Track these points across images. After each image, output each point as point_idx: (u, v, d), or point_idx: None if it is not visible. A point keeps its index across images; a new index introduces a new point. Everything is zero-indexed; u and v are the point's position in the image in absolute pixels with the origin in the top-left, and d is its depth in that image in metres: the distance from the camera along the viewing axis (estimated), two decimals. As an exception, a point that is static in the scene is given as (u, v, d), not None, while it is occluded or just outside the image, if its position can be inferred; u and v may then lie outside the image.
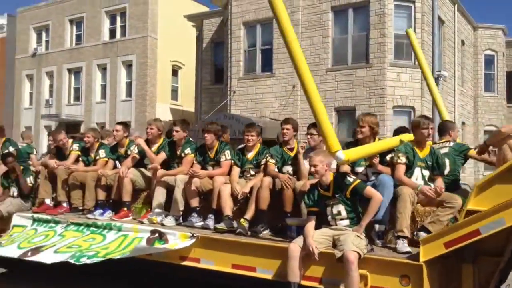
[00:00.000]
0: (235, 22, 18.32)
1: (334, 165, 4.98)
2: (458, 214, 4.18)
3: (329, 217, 4.49)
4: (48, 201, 6.77)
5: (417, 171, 4.78)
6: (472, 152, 5.44)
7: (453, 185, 5.17)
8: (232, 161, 5.84)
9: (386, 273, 4.02)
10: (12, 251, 5.65)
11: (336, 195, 4.45)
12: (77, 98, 28.34)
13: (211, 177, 5.68)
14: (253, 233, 4.99)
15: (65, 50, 28.62)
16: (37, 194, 7.05)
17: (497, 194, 3.69)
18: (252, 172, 5.75)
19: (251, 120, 16.29)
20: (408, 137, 5.31)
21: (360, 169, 5.11)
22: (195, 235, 4.95)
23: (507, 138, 4.33)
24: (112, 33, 27.12)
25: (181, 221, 5.65)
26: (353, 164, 5.04)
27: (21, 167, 7.04)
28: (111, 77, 26.64)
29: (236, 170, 5.77)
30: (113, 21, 27.15)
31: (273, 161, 5.49)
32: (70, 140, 7.27)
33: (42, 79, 29.70)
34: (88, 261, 4.95)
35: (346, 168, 4.91)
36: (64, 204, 6.65)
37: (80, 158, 7.02)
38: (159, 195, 5.87)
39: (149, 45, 25.47)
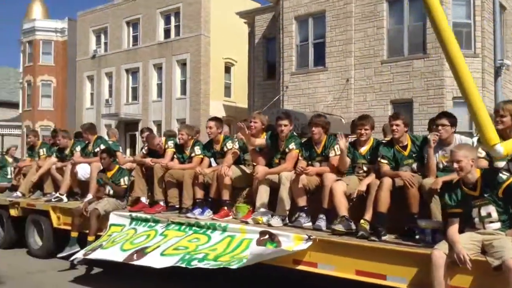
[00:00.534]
0: (287, 16, 18.21)
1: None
2: None
3: (476, 220, 3.94)
4: (143, 199, 6.66)
5: None
6: None
7: None
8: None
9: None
10: (116, 254, 5.49)
11: (485, 195, 3.88)
12: (134, 97, 29.24)
13: (319, 175, 5.26)
14: (374, 236, 4.51)
15: (123, 51, 29.58)
16: (130, 192, 7.01)
17: None
18: (365, 168, 5.27)
19: (304, 115, 16.16)
20: None
21: (501, 164, 4.34)
22: (311, 237, 4.54)
23: None
24: (167, 33, 27.74)
25: (287, 221, 5.32)
26: (491, 157, 4.35)
27: (117, 167, 6.93)
28: (166, 76, 27.28)
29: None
30: (167, 21, 27.77)
31: (385, 161, 5.00)
32: (163, 138, 7.13)
33: (102, 80, 30.88)
34: (201, 265, 4.72)
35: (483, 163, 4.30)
36: (161, 203, 6.46)
37: (175, 156, 6.79)
38: (263, 193, 5.52)
39: (202, 43, 25.85)
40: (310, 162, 5.54)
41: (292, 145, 5.63)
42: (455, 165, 3.92)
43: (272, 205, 5.45)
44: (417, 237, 4.42)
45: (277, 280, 5.94)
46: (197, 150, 6.50)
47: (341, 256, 4.40)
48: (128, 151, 29.19)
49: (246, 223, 5.35)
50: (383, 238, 4.50)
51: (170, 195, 6.38)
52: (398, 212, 4.66)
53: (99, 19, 31.00)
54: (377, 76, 16.25)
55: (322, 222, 4.99)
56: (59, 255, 6.49)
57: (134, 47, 29.14)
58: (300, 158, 5.59)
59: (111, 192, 6.76)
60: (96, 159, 7.36)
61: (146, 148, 7.29)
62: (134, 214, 6.20)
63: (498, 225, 3.87)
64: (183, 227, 5.58)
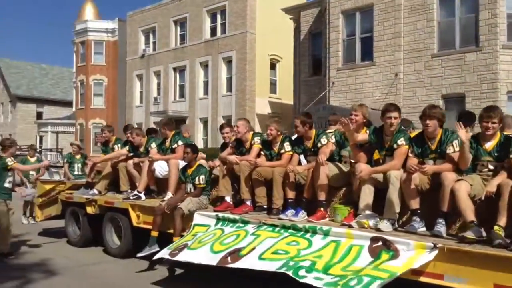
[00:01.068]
0: (333, 11, 18.01)
1: None
2: None
3: None
4: (228, 198, 6.29)
5: None
6: None
7: None
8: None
9: None
10: (207, 257, 5.14)
11: None
12: (181, 95, 29.80)
13: (435, 174, 4.68)
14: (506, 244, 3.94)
15: (170, 50, 30.20)
16: (212, 191, 6.74)
17: None
18: (491, 166, 4.66)
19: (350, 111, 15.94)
20: None
21: None
22: (438, 245, 4.01)
23: None
24: (213, 31, 28.09)
25: (396, 225, 4.82)
26: None
27: (197, 164, 6.61)
28: (213, 73, 27.63)
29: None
30: (213, 19, 28.11)
31: None
32: (251, 133, 6.65)
33: (150, 78, 31.65)
34: (311, 281, 4.16)
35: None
36: (248, 202, 6.05)
37: (262, 152, 6.35)
38: (367, 194, 4.97)
39: (247, 40, 26.01)
40: (421, 160, 4.93)
41: (401, 140, 5.04)
42: None
43: (375, 206, 4.95)
44: None
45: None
46: (287, 146, 6.11)
47: (476, 268, 3.85)
48: (175, 147, 29.79)
49: (350, 226, 4.84)
50: None
51: (258, 194, 5.98)
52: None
53: (148, 19, 31.78)
54: (427, 70, 15.81)
55: (441, 228, 4.43)
56: (139, 255, 6.22)
57: (181, 45, 29.68)
58: (410, 155, 5.02)
59: (192, 190, 6.51)
60: (175, 156, 7.14)
61: (232, 144, 6.81)
62: (221, 215, 5.88)
63: None
64: (277, 228, 5.19)
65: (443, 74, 15.58)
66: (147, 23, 31.84)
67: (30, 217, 10.79)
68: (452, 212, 4.50)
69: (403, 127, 5.48)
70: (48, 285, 6.02)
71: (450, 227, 4.52)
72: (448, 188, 4.43)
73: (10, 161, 7.10)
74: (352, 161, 5.53)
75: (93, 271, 6.71)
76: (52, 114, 45.16)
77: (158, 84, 31.34)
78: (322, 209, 5.37)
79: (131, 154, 7.92)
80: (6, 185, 7.13)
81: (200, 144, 27.39)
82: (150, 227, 6.46)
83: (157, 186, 7.53)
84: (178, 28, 30.22)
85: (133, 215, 6.91)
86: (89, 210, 7.71)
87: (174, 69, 30.11)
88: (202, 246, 5.34)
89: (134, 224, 6.88)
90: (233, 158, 6.32)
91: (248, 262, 4.76)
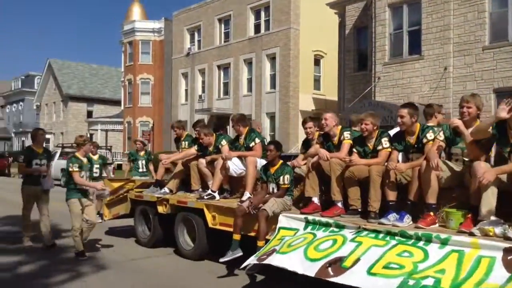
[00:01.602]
0: (379, 4, 17.65)
1: None
2: None
3: None
4: (315, 199, 5.82)
5: None
6: None
7: None
8: None
9: None
10: (302, 265, 4.60)
11: None
12: (226, 92, 30.05)
13: None
14: None
15: (215, 48, 30.50)
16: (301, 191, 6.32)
17: None
18: None
19: (397, 107, 15.59)
20: None
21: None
22: None
23: None
24: (257, 28, 28.16)
25: None
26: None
27: (280, 162, 6.15)
28: (256, 70, 27.70)
29: None
30: (257, 16, 28.17)
31: None
32: (339, 127, 6.08)
33: (195, 76, 32.09)
34: None
35: None
36: (339, 204, 5.55)
37: (354, 149, 5.77)
38: (490, 197, 4.24)
39: (291, 36, 25.90)
40: None
41: None
42: None
43: (498, 211, 4.33)
44: None
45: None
46: (385, 142, 5.48)
47: None
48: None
49: (470, 234, 4.18)
50: None
51: (351, 196, 5.44)
52: None
53: (193, 17, 32.22)
54: (478, 64, 15.25)
55: None
56: (222, 260, 5.76)
57: (226, 43, 29.92)
58: None
59: (275, 190, 6.06)
60: (253, 153, 6.80)
61: (319, 139, 6.27)
62: (310, 217, 5.39)
63: None
64: (381, 235, 4.60)
65: (495, 67, 14.98)
66: (192, 22, 32.29)
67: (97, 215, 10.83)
68: None
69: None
70: (98, 279, 6.20)
71: None
72: None
73: (71, 167, 6.88)
74: (466, 159, 4.92)
75: (144, 265, 6.87)
76: (102, 112, 46.66)
77: (203, 82, 31.73)
78: (431, 213, 4.73)
79: (200, 153, 7.62)
80: (79, 186, 6.97)
81: (244, 141, 27.53)
82: (227, 228, 6.20)
83: (230, 185, 7.22)
84: (222, 26, 30.48)
85: (208, 215, 6.55)
86: (161, 209, 7.42)
87: (218, 66, 30.39)
88: (293, 251, 4.85)
89: (210, 225, 6.53)
90: (325, 153, 5.75)
91: (356, 278, 4.12)
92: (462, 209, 4.66)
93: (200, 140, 7.46)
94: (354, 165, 5.39)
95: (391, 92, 17.39)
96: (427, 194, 4.79)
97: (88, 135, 42.41)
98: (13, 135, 54.87)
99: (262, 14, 27.80)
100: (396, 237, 4.46)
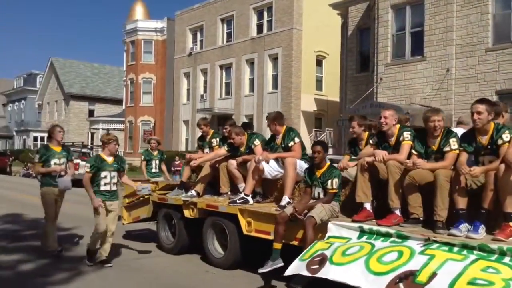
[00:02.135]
0: (382, 5, 17.63)
1: None
2: None
3: None
4: (368, 206, 5.25)
5: None
6: None
7: None
8: None
9: None
10: (365, 279, 4.19)
11: None
12: (227, 92, 30.05)
13: None
14: None
15: (217, 47, 30.49)
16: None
17: None
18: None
19: (399, 108, 15.57)
20: None
21: None
22: None
23: None
24: (260, 28, 28.16)
25: None
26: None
27: (328, 165, 5.66)
28: (258, 70, 27.69)
29: None
30: (260, 16, 28.17)
31: None
32: (397, 126, 5.50)
33: (197, 76, 32.10)
34: None
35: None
36: (397, 212, 5.01)
37: (413, 150, 5.15)
38: None
39: (294, 37, 25.88)
40: None
41: None
42: None
43: None
44: None
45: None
46: (454, 143, 4.89)
47: None
48: (221, 144, 30.09)
49: None
50: None
51: (412, 203, 4.88)
52: None
53: (195, 17, 32.22)
54: (481, 65, 15.21)
55: None
56: (261, 270, 5.27)
57: (228, 43, 29.91)
58: None
59: (321, 195, 5.54)
60: (292, 154, 6.32)
61: (373, 140, 5.68)
62: (366, 227, 4.88)
63: None
64: (456, 248, 4.14)
65: (498, 69, 14.95)
66: (194, 21, 32.29)
67: None
68: None
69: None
70: (98, 277, 6.18)
71: None
72: None
73: (86, 168, 6.47)
74: None
75: (144, 264, 6.86)
76: (103, 111, 46.68)
77: (205, 82, 31.73)
78: (511, 223, 4.25)
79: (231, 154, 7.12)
80: (103, 187, 6.46)
81: (245, 141, 27.53)
82: (263, 236, 5.78)
83: (263, 188, 6.74)
84: (225, 26, 30.47)
85: (242, 221, 6.05)
86: (187, 213, 6.90)
87: (221, 66, 30.39)
88: (351, 262, 4.40)
89: (244, 232, 6.03)
90: (382, 154, 5.19)
91: None
92: None
93: (231, 140, 6.90)
94: (414, 169, 4.80)
95: (393, 93, 17.36)
96: (506, 202, 4.29)
97: (90, 134, 42.66)
98: (14, 133, 54.90)
99: (265, 14, 27.79)
100: (475, 252, 4.00)
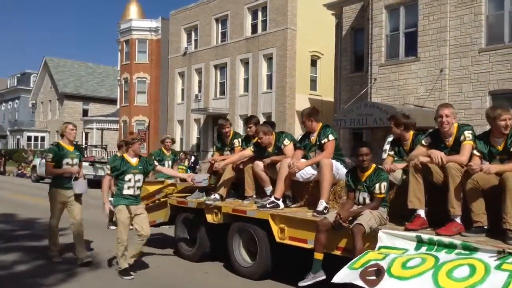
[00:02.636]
0: (376, 6, 17.69)
1: None
2: None
3: None
4: (422, 212, 4.76)
5: None
6: None
7: None
8: None
9: None
10: None
11: None
12: (222, 92, 30.03)
13: None
14: None
15: (212, 47, 30.47)
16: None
17: None
18: None
19: (393, 108, 15.64)
20: None
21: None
22: None
23: None
24: (254, 28, 28.15)
25: None
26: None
27: (374, 167, 5.14)
28: (253, 70, 27.70)
29: None
30: (254, 16, 28.18)
31: None
32: (456, 125, 4.98)
33: (192, 76, 32.06)
34: None
35: None
36: (458, 220, 4.54)
37: (475, 151, 4.74)
38: None
39: (288, 37, 25.91)
40: None
41: None
42: None
43: None
44: None
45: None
46: None
47: None
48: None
49: None
50: None
51: (475, 209, 4.43)
52: None
53: (190, 17, 32.19)
54: (474, 66, 15.29)
55: None
56: (302, 283, 4.85)
57: (223, 43, 29.90)
58: None
59: (367, 200, 5.06)
60: (324, 156, 5.78)
61: (426, 140, 5.11)
62: (425, 237, 4.37)
63: None
64: None
65: (491, 69, 15.03)
66: (189, 21, 32.26)
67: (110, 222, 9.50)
68: None
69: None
70: (95, 278, 6.17)
71: None
72: None
73: (106, 169, 6.09)
74: None
75: (143, 265, 6.85)
76: (97, 111, 46.54)
77: (199, 82, 31.70)
78: None
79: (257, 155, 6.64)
80: (126, 191, 5.99)
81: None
82: (299, 244, 5.34)
83: (293, 191, 6.25)
84: (220, 25, 30.46)
85: (274, 228, 5.59)
86: (210, 218, 6.43)
87: (215, 66, 30.37)
88: (416, 276, 3.93)
89: (277, 239, 5.57)
90: (440, 155, 4.68)
91: None
92: None
93: (259, 140, 6.39)
94: (487, 173, 4.33)
95: (387, 94, 17.42)
96: None
97: (84, 134, 42.50)
98: (8, 133, 54.62)
99: (259, 14, 27.80)
100: None
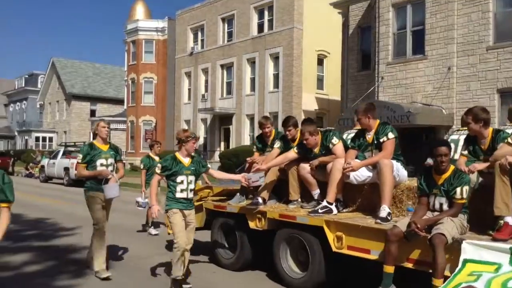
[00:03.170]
0: (383, 4, 17.61)
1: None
2: None
3: None
4: (510, 220, 4.25)
5: None
6: None
7: None
8: None
9: None
10: None
11: None
12: (229, 91, 30.03)
13: None
14: None
15: (218, 47, 30.48)
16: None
17: None
18: None
19: (400, 107, 15.57)
20: None
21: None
22: None
23: None
24: (260, 28, 28.12)
25: None
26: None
27: (452, 168, 4.62)
28: (259, 70, 27.67)
29: None
30: (261, 15, 28.15)
31: None
32: None
33: (198, 76, 32.09)
34: None
35: None
36: None
37: None
38: None
39: (295, 36, 25.85)
40: None
41: None
42: None
43: None
44: None
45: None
46: None
47: None
48: (222, 144, 30.12)
49: None
50: None
51: None
52: None
53: (196, 17, 32.22)
54: (482, 64, 15.19)
55: None
56: None
57: (229, 42, 29.90)
58: None
59: (444, 206, 4.50)
60: (379, 157, 5.24)
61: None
62: None
63: None
64: None
65: (499, 67, 14.93)
66: (195, 21, 32.29)
67: (151, 227, 9.08)
68: None
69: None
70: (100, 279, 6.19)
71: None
72: None
73: (158, 169, 5.52)
74: None
75: (147, 265, 6.86)
76: (105, 111, 46.73)
77: (206, 81, 31.72)
78: None
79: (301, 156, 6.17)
80: (179, 194, 5.42)
81: (246, 141, 27.55)
82: (360, 254, 4.83)
83: (343, 194, 5.69)
84: (226, 25, 30.46)
85: (330, 236, 5.07)
86: (253, 224, 5.96)
87: (222, 66, 30.38)
88: None
89: (334, 248, 5.02)
90: None
91: None
92: None
93: (304, 142, 5.92)
94: None
95: (394, 92, 17.35)
96: None
97: (92, 134, 42.57)
98: (16, 133, 55.01)
99: (266, 13, 27.77)
100: None
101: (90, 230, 6.20)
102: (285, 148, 6.30)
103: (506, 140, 4.61)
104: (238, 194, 6.54)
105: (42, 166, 25.14)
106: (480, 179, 4.77)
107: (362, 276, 5.31)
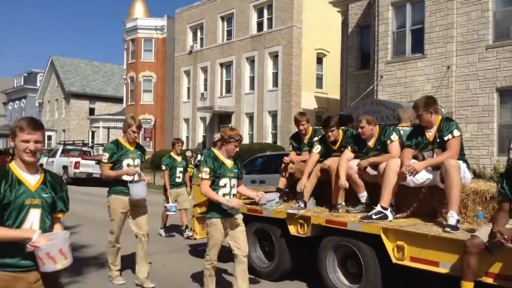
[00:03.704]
0: (382, 3, 17.61)
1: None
2: None
3: None
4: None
5: None
6: None
7: None
8: None
9: None
10: None
11: None
12: (228, 90, 30.04)
13: None
14: None
15: (218, 46, 30.47)
16: None
17: None
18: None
19: (400, 105, 15.57)
20: None
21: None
22: None
23: None
24: (260, 26, 28.12)
25: None
26: None
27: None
28: (259, 68, 27.67)
29: None
30: (260, 14, 28.14)
31: None
32: None
33: (197, 74, 32.08)
34: None
35: None
36: None
37: None
38: None
39: (294, 34, 25.85)
40: None
41: None
42: None
43: None
44: None
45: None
46: None
47: None
48: (222, 142, 30.09)
49: None
50: None
51: None
52: None
53: (196, 15, 32.20)
54: (481, 63, 15.20)
55: None
56: None
57: (228, 41, 29.89)
58: None
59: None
60: (448, 155, 4.69)
61: None
62: None
63: None
64: None
65: (498, 66, 14.94)
66: (194, 19, 32.27)
67: (163, 229, 8.91)
68: None
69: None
70: (99, 276, 6.16)
71: None
72: None
73: (204, 173, 4.77)
74: None
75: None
76: (104, 110, 46.66)
77: (205, 80, 31.72)
78: None
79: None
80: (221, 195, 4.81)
81: (246, 139, 27.54)
82: (427, 267, 4.29)
83: (397, 198, 5.16)
84: (225, 24, 30.45)
85: (389, 245, 4.53)
86: (293, 230, 5.49)
87: (221, 64, 30.37)
88: None
89: (393, 260, 4.50)
90: None
91: None
92: None
93: (360, 130, 5.43)
94: None
95: (394, 91, 17.36)
96: None
97: (90, 133, 42.63)
98: (15, 132, 54.87)
99: (265, 12, 27.76)
100: None
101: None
102: (325, 152, 5.84)
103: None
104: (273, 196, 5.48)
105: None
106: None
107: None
